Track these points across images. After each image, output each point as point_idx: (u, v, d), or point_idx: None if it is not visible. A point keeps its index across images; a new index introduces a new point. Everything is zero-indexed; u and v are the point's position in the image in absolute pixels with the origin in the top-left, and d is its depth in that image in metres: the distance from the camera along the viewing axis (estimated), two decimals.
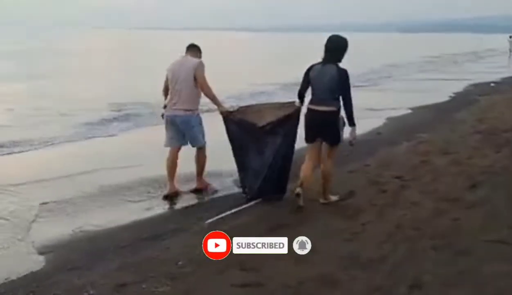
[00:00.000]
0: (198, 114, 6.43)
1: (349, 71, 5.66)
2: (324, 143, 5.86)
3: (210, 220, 5.50)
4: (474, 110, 13.32)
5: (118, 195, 6.61)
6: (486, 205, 5.76)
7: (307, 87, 5.84)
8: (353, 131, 5.71)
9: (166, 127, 6.48)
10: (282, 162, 6.12)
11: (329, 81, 5.57)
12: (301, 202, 5.74)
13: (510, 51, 44.67)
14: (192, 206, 6.28)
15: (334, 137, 5.76)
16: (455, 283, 3.97)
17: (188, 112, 6.32)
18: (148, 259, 4.61)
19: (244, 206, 5.97)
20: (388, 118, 12.25)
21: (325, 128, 5.74)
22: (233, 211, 5.79)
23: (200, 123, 6.45)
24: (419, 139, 9.73)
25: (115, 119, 12.21)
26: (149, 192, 6.70)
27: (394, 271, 4.17)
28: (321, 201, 5.99)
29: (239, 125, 6.18)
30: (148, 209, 6.12)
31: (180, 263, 4.44)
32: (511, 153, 8.29)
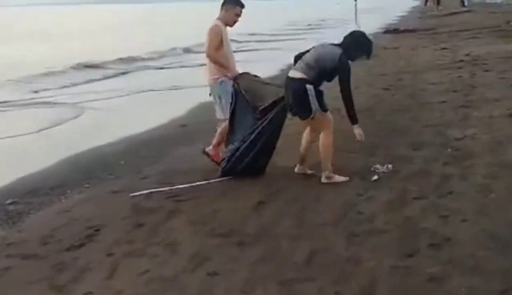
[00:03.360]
0: (222, 82, 5.90)
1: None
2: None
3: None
4: None
5: None
6: (265, 240, 4.21)
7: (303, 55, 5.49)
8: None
9: None
10: (261, 145, 5.65)
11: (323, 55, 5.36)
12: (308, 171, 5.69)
13: (356, 15, 45.46)
14: None
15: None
16: None
17: (212, 80, 5.96)
18: None
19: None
20: (202, 103, 10.52)
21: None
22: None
23: (227, 91, 5.89)
24: None
25: None
26: None
27: None
28: (322, 180, 5.44)
29: (242, 97, 5.74)
30: None
31: None
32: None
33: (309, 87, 5.22)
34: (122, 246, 4.26)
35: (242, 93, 5.75)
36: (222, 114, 6.02)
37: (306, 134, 5.70)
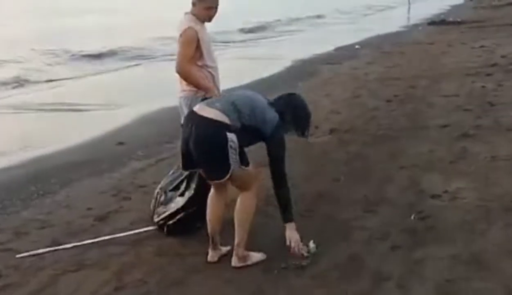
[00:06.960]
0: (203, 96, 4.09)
1: None
2: None
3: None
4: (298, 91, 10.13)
5: None
6: None
7: None
8: None
9: None
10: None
11: None
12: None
13: (409, 2, 42.60)
14: None
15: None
16: None
17: (191, 93, 4.17)
18: None
19: None
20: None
21: None
22: None
23: None
24: (160, 156, 6.44)
25: None
26: None
27: None
28: (233, 263, 3.65)
29: None
30: None
31: None
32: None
33: (231, 136, 3.40)
34: None
35: None
36: None
37: (212, 203, 3.76)
